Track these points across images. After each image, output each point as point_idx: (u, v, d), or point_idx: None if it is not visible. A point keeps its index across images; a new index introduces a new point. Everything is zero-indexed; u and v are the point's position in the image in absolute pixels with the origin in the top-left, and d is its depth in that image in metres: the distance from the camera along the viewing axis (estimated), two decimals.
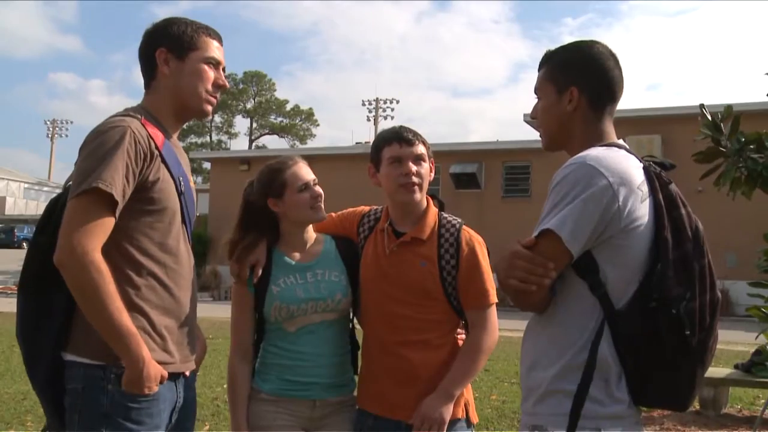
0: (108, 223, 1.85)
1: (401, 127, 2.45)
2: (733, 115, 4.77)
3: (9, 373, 7.40)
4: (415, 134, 2.41)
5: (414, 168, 2.35)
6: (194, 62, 2.06)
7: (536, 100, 1.94)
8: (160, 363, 1.93)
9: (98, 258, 1.81)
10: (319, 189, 2.41)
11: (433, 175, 2.46)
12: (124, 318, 1.83)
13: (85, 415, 1.88)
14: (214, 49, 2.10)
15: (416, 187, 2.36)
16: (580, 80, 1.82)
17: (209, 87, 2.08)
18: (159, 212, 1.97)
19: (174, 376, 2.01)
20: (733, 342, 9.36)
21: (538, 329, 1.80)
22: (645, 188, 1.70)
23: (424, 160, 2.40)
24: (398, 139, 2.39)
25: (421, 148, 2.39)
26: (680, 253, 1.67)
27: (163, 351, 1.97)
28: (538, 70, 1.93)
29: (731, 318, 13.69)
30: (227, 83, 2.16)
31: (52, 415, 1.99)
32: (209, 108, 2.12)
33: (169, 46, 2.04)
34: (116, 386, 1.87)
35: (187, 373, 2.09)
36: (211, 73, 2.08)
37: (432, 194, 2.49)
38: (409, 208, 2.40)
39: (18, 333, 1.98)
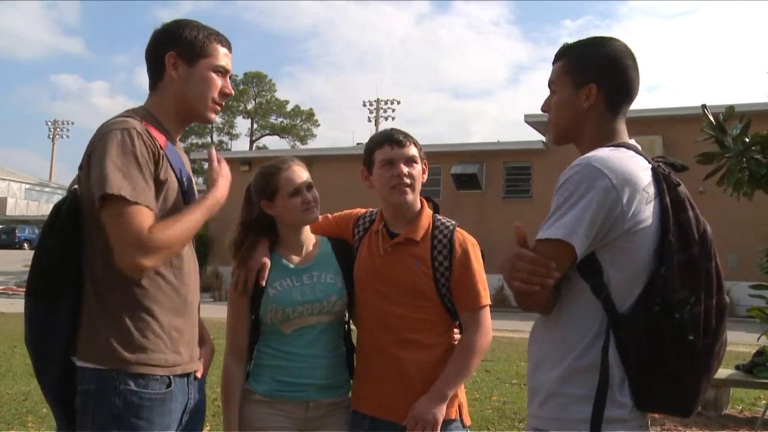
0: (149, 218, 1.84)
1: (392, 129, 2.46)
2: (736, 116, 4.77)
3: (10, 374, 7.40)
4: (406, 136, 2.41)
5: (405, 169, 2.36)
6: (203, 69, 2.05)
7: (548, 93, 1.89)
8: (170, 365, 1.95)
9: (157, 232, 1.82)
10: (311, 194, 2.40)
11: (426, 176, 2.46)
12: (197, 215, 1.95)
13: (97, 416, 1.87)
14: (223, 57, 2.09)
15: (408, 189, 2.36)
16: (599, 78, 1.79)
17: (216, 95, 2.08)
18: (166, 213, 1.95)
19: (185, 376, 2.02)
20: (734, 343, 9.32)
21: (542, 330, 1.79)
22: (651, 190, 1.68)
23: (416, 162, 2.40)
24: (389, 141, 2.39)
25: (412, 150, 2.39)
26: (686, 256, 1.64)
27: (173, 352, 1.96)
28: (554, 63, 1.88)
29: (732, 319, 13.60)
30: (233, 91, 2.16)
31: (61, 417, 1.97)
32: (213, 115, 2.13)
33: (179, 51, 2.03)
34: (128, 386, 1.86)
35: (198, 375, 2.10)
36: (218, 81, 2.08)
37: (427, 196, 2.50)
38: (402, 209, 2.40)
39: (27, 337, 1.96)
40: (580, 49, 1.85)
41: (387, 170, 2.37)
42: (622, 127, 1.83)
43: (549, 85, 1.89)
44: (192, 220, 1.94)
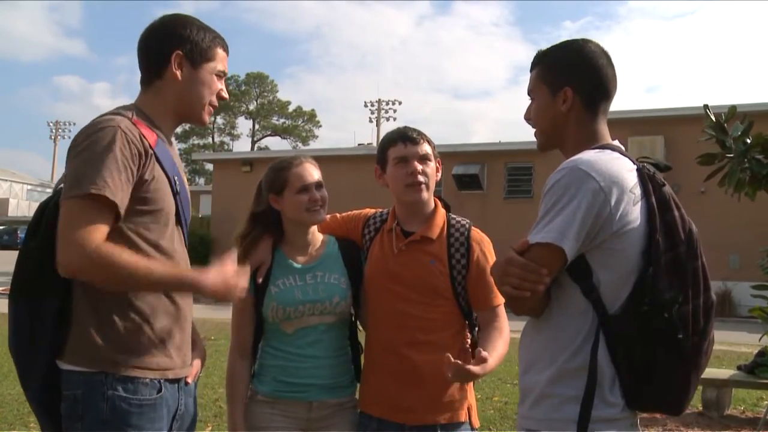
0: (105, 225, 1.80)
1: (406, 127, 2.46)
2: (738, 116, 4.78)
3: (12, 375, 7.40)
4: (420, 134, 2.41)
5: (420, 167, 2.35)
6: (207, 73, 2.03)
7: (530, 101, 1.92)
8: (161, 368, 1.91)
9: (106, 247, 1.76)
10: (319, 193, 2.39)
11: (440, 174, 2.45)
12: (159, 271, 1.84)
13: (86, 422, 1.84)
14: (224, 61, 2.09)
15: (423, 186, 2.35)
16: (573, 80, 1.81)
17: (214, 99, 2.07)
18: (154, 213, 1.92)
19: (175, 382, 1.99)
20: (736, 343, 9.34)
21: (533, 332, 1.80)
22: (638, 191, 1.69)
23: (430, 160, 2.39)
24: (403, 138, 2.38)
25: (426, 148, 2.39)
26: (672, 256, 1.66)
27: (164, 356, 1.94)
28: (531, 71, 1.91)
29: (734, 319, 13.65)
30: (228, 96, 2.15)
31: (46, 423, 1.93)
32: (208, 118, 2.12)
33: (186, 51, 1.99)
34: (116, 391, 1.83)
35: (189, 380, 2.07)
36: (218, 85, 2.07)
37: (438, 195, 2.49)
38: (416, 207, 2.39)
39: (10, 341, 1.91)
40: (553, 54, 1.88)
41: (401, 168, 2.36)
42: (604, 128, 1.84)
43: (528, 94, 1.92)
44: (151, 271, 1.82)
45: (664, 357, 1.63)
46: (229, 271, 1.95)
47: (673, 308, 1.62)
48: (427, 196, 2.39)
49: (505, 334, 2.35)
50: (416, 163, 2.35)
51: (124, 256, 1.79)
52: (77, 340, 1.85)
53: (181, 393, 2.02)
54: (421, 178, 2.35)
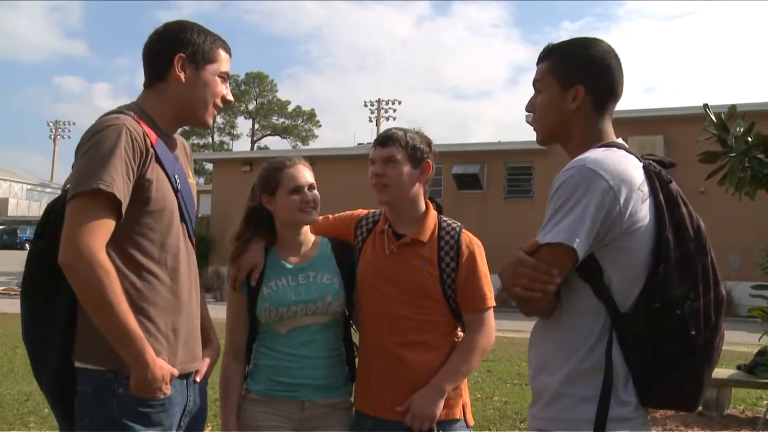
0: (110, 224, 1.83)
1: (388, 129, 2.48)
2: (738, 116, 4.78)
3: (12, 374, 7.41)
4: (392, 137, 2.39)
5: (379, 170, 2.37)
6: (209, 75, 2.05)
7: (533, 93, 1.89)
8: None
9: (105, 259, 1.79)
10: (311, 194, 2.40)
11: (425, 176, 2.42)
12: (131, 321, 1.81)
13: (95, 419, 1.87)
14: (227, 63, 2.10)
15: (379, 186, 2.38)
16: (586, 78, 1.79)
17: (218, 101, 2.09)
18: (157, 212, 1.95)
19: (184, 377, 2.01)
20: (736, 343, 9.33)
21: (543, 333, 1.79)
22: (645, 188, 1.69)
23: (395, 161, 2.37)
24: (375, 142, 2.44)
25: (392, 150, 2.37)
26: (682, 252, 1.66)
27: (170, 354, 1.96)
28: (538, 63, 1.89)
29: (734, 319, 13.63)
30: (233, 99, 2.17)
31: (60, 417, 1.98)
32: (211, 120, 2.13)
33: (188, 54, 2.01)
34: (126, 390, 1.86)
35: (198, 378, 2.09)
36: (221, 87, 2.09)
37: (430, 197, 2.49)
38: (400, 209, 2.41)
39: (24, 338, 1.97)
40: (566, 50, 1.86)
41: (370, 169, 2.42)
42: (609, 127, 1.83)
43: (534, 85, 1.89)
44: (124, 318, 1.80)
45: (677, 354, 1.64)
46: (170, 375, 1.92)
47: (685, 305, 1.62)
48: (388, 197, 2.38)
49: (481, 343, 2.35)
50: (377, 164, 2.38)
51: (114, 282, 1.79)
52: (87, 339, 1.88)
53: (190, 389, 2.05)
54: (374, 180, 2.38)
